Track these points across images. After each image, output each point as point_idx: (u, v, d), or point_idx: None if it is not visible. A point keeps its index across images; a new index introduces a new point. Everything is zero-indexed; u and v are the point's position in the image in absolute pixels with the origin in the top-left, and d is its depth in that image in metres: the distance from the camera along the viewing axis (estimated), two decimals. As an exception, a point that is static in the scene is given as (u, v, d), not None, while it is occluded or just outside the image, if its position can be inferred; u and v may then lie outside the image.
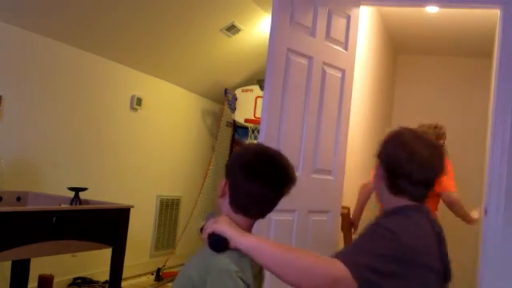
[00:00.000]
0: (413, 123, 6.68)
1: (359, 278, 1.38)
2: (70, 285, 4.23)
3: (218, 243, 1.41)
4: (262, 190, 1.47)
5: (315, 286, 1.38)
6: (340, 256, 1.43)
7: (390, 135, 1.65)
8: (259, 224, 1.63)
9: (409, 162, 1.56)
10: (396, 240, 1.44)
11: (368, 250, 1.44)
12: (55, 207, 3.01)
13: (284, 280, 1.40)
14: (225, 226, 1.44)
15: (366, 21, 4.34)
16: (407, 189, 1.59)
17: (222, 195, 1.53)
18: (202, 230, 1.50)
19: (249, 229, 1.51)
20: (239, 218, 1.50)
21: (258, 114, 5.46)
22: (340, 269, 1.38)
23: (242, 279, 1.38)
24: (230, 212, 1.52)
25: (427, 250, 1.50)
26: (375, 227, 1.53)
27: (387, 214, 1.60)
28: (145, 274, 5.06)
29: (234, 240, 1.41)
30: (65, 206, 3.09)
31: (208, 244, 1.43)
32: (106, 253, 3.16)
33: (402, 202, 1.60)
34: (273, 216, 2.28)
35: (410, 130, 1.65)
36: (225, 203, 1.53)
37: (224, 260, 1.39)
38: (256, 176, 1.47)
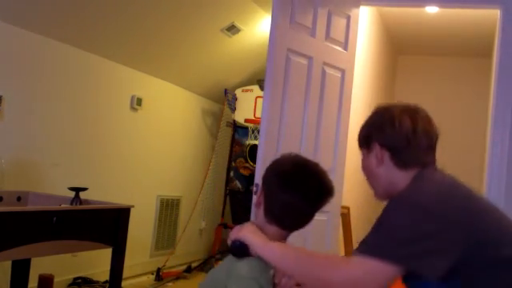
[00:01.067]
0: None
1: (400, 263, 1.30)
2: (70, 285, 4.23)
3: (239, 249, 1.41)
4: (297, 201, 1.44)
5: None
6: (364, 248, 1.35)
7: (378, 116, 1.55)
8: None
9: (413, 133, 1.48)
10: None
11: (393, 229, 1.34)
12: (55, 207, 3.01)
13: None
14: (248, 233, 1.43)
15: (365, 21, 4.34)
16: (419, 156, 1.49)
17: (258, 205, 1.51)
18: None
19: (281, 240, 1.48)
20: (273, 228, 1.47)
21: (258, 114, 5.46)
22: (354, 270, 1.32)
23: (261, 286, 1.37)
24: (264, 223, 1.49)
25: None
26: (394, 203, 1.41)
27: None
28: (145, 274, 5.06)
29: (255, 247, 1.40)
30: (65, 206, 3.09)
31: (229, 250, 1.43)
32: (106, 253, 3.17)
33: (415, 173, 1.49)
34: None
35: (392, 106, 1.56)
36: (259, 213, 1.51)
37: (244, 266, 1.39)
38: (291, 186, 1.45)
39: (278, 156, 1.56)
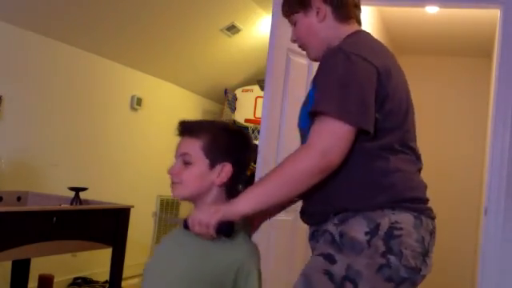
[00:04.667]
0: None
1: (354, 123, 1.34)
2: (70, 285, 4.23)
3: (227, 229, 1.36)
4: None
5: (312, 176, 1.34)
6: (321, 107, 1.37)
7: None
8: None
9: None
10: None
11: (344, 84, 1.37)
12: (55, 207, 3.01)
13: (297, 194, 1.38)
14: (220, 211, 1.37)
15: (366, 21, 4.34)
16: (354, 11, 1.60)
17: (224, 181, 1.45)
18: (185, 225, 1.41)
19: None
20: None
21: (258, 114, 5.46)
22: (313, 148, 1.35)
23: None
24: (223, 198, 1.46)
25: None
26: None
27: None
28: (145, 274, 5.05)
29: (235, 214, 1.36)
30: (65, 206, 3.09)
31: (221, 233, 1.36)
32: (106, 253, 3.16)
33: (353, 27, 1.58)
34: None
35: None
36: (220, 190, 1.46)
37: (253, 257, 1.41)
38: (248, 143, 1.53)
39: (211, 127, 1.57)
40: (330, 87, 1.38)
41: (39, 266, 3.68)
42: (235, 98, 5.87)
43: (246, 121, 5.81)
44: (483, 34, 5.15)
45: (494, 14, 3.70)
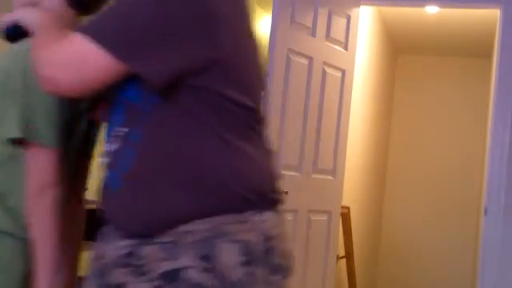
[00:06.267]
0: (413, 123, 6.70)
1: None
2: (70, 285, 4.23)
3: (14, 31, 1.20)
4: None
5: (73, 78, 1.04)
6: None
7: None
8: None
9: None
10: None
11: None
12: (55, 207, 3.01)
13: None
14: (20, 12, 1.19)
15: (366, 21, 4.35)
16: None
17: None
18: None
19: None
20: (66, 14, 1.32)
21: (258, 114, 5.46)
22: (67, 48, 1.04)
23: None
24: (63, 5, 1.33)
25: None
26: None
27: None
28: (145, 274, 5.06)
29: (30, 21, 1.16)
30: (65, 206, 3.09)
31: (6, 33, 1.22)
32: (106, 253, 3.17)
33: None
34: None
35: None
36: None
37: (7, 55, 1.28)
38: None
39: None
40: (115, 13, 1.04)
41: (39, 265, 3.69)
42: (235, 98, 5.87)
43: (246, 121, 5.81)
44: (483, 34, 5.16)
45: (494, 14, 3.71)
